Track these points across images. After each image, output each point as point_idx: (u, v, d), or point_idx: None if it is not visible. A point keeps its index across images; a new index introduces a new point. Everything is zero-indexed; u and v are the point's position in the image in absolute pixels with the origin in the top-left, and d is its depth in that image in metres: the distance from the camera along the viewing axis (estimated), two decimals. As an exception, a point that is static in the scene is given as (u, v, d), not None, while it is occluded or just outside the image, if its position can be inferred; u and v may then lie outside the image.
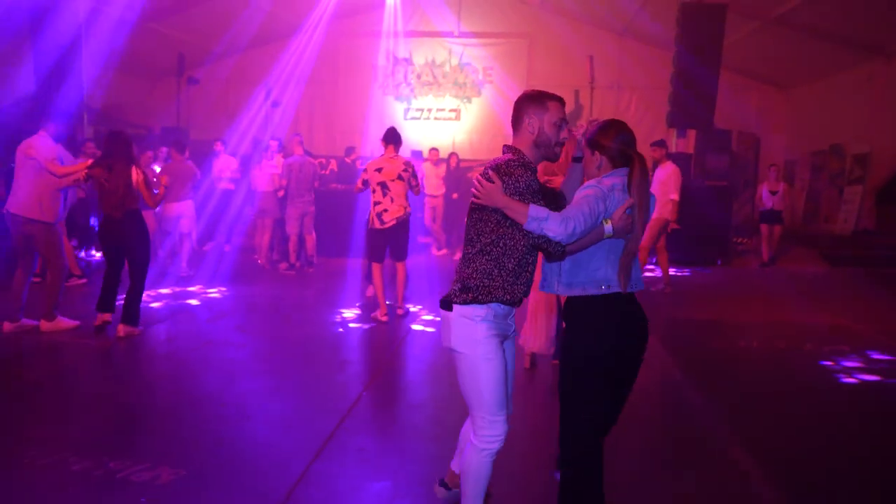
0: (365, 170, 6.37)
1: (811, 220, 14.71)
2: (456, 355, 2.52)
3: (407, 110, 16.19)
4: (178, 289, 7.51)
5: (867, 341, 5.99)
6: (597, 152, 2.60)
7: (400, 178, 6.17)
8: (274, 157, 8.95)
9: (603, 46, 15.55)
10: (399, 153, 6.36)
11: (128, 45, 10.88)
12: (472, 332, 2.49)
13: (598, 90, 15.54)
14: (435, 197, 10.27)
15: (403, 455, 3.51)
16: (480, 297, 2.48)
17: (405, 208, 6.20)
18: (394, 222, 6.15)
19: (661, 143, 8.06)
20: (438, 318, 3.21)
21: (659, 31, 13.01)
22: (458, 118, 16.02)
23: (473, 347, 2.48)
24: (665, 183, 7.65)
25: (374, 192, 6.18)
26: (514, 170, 2.46)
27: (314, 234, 9.06)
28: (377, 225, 6.20)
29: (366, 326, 6.16)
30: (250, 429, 3.76)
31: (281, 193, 8.60)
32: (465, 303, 2.49)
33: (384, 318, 6.23)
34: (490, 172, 2.46)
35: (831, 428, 4.05)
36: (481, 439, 2.51)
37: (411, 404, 4.38)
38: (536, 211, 2.38)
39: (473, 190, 2.50)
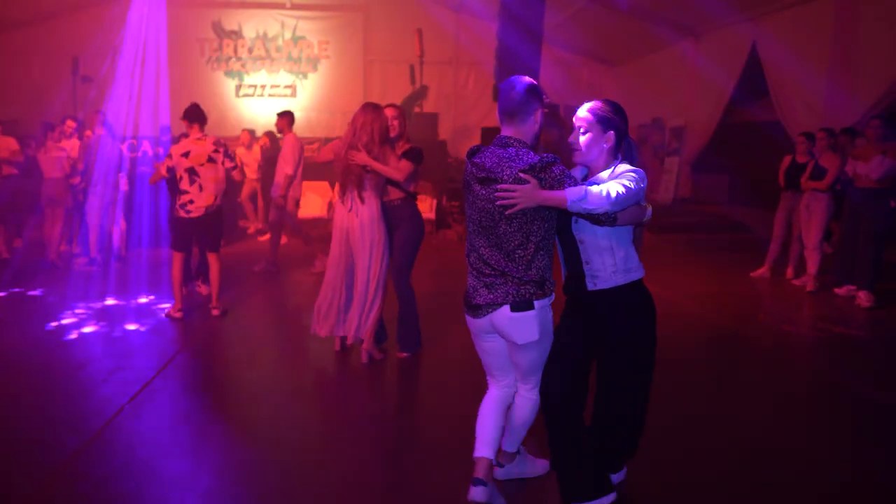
0: (169, 155, 5.75)
1: (639, 190, 15.58)
2: (536, 343, 2.67)
3: (239, 87, 15.25)
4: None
5: (668, 305, 6.29)
6: (611, 132, 2.65)
7: (211, 160, 5.60)
8: (65, 140, 7.96)
9: (439, 21, 15.41)
10: (205, 132, 5.77)
11: None
12: (548, 317, 2.70)
13: (436, 65, 15.44)
14: (253, 180, 9.70)
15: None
16: (549, 288, 2.66)
17: (216, 197, 5.65)
18: (201, 212, 5.61)
19: (284, 114, 7.63)
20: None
21: (493, 7, 13.09)
22: (293, 94, 15.32)
23: (549, 329, 2.72)
24: (283, 156, 7.37)
25: (180, 179, 5.59)
26: (547, 165, 2.52)
27: (123, 223, 8.23)
28: (182, 214, 5.63)
29: (141, 328, 5.54)
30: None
31: (76, 180, 7.68)
32: (541, 298, 2.63)
33: (177, 315, 5.69)
34: (522, 175, 2.49)
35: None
36: (535, 393, 2.80)
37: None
38: (575, 193, 2.43)
39: (504, 197, 2.50)
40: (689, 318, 5.98)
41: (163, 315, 5.79)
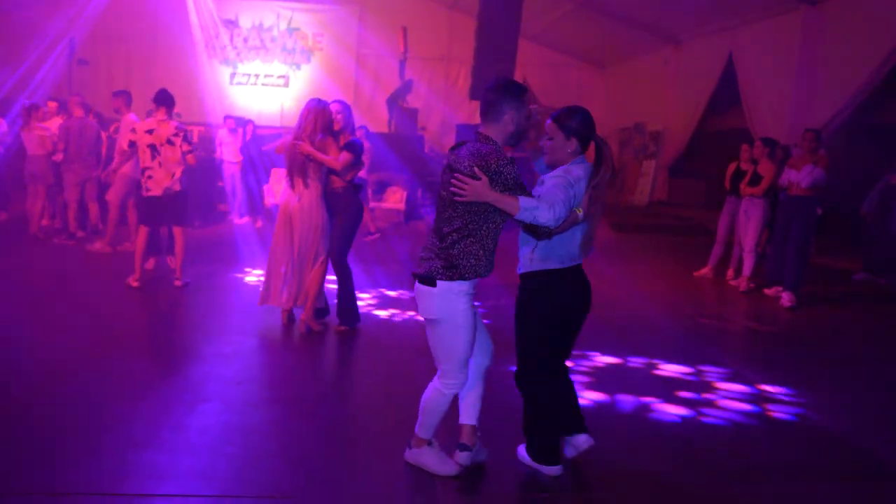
0: (133, 130, 6.17)
1: (619, 191, 15.92)
2: (435, 323, 2.84)
3: (233, 75, 15.64)
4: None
5: (603, 297, 6.65)
6: (573, 138, 2.93)
7: (170, 142, 6.00)
8: (48, 119, 8.38)
9: (432, 18, 15.78)
10: (171, 116, 6.18)
11: None
12: (456, 304, 2.81)
13: (427, 61, 15.80)
14: (233, 164, 10.10)
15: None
16: (467, 274, 2.79)
17: (174, 176, 6.04)
18: (160, 192, 6.00)
19: (120, 94, 7.44)
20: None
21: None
22: (286, 85, 15.71)
23: (455, 317, 2.81)
24: (122, 136, 7.11)
25: (143, 153, 6.01)
26: (502, 167, 2.70)
27: (96, 202, 8.60)
28: (144, 192, 6.06)
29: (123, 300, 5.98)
30: None
31: (58, 157, 8.09)
32: (450, 279, 2.78)
33: (135, 284, 6.10)
34: (476, 170, 2.67)
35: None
36: (447, 385, 2.92)
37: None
38: (527, 202, 2.67)
39: (455, 188, 2.70)
40: (616, 308, 6.33)
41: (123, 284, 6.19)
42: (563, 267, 2.99)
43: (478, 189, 2.68)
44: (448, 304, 2.81)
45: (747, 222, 7.18)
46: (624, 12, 12.95)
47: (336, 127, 5.08)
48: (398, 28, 14.94)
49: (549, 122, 3.00)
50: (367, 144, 7.55)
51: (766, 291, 7.06)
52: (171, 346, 4.93)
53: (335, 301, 5.25)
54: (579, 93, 17.12)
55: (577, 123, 2.96)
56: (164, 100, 6.09)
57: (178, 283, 6.27)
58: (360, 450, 3.37)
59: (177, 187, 6.05)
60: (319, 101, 5.02)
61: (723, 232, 7.75)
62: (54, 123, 8.35)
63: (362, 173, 5.90)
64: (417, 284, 2.87)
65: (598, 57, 16.60)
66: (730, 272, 7.70)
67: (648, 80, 14.62)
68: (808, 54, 9.82)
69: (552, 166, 3.03)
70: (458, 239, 2.78)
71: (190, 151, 6.13)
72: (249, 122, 11.06)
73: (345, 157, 4.92)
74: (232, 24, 15.46)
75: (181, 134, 6.07)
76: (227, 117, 10.61)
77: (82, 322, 5.20)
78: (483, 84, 9.52)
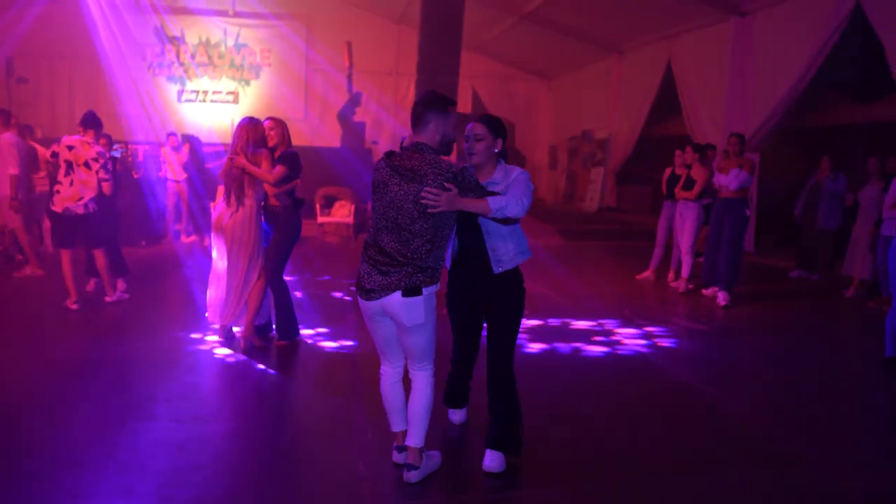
0: (59, 142, 6.12)
1: (570, 199, 16.20)
2: (422, 326, 2.97)
3: (181, 92, 15.48)
4: None
5: (544, 300, 6.78)
6: (500, 139, 3.18)
7: (87, 165, 5.93)
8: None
9: (381, 33, 15.89)
10: (97, 141, 6.14)
11: None
12: (433, 303, 3.00)
13: (376, 75, 15.89)
14: (177, 182, 9.99)
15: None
16: (437, 277, 2.99)
17: (80, 199, 5.92)
18: (60, 209, 5.90)
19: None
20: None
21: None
22: (236, 101, 15.61)
23: (432, 316, 3.01)
24: (5, 156, 7.19)
25: (59, 167, 5.95)
26: (463, 172, 2.92)
27: (47, 222, 8.42)
28: (51, 206, 5.98)
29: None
30: None
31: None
32: (427, 285, 2.93)
33: (73, 306, 6.01)
34: (447, 184, 2.82)
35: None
36: (432, 373, 3.12)
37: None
38: (496, 202, 2.90)
39: (431, 199, 2.81)
40: (555, 310, 6.46)
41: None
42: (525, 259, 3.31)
43: (451, 199, 2.84)
44: (430, 305, 2.97)
45: (683, 225, 7.40)
46: (567, 25, 13.24)
47: (271, 143, 5.10)
48: (345, 43, 15.02)
49: (476, 125, 3.17)
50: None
51: (704, 292, 7.28)
52: (103, 366, 4.86)
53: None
54: (527, 104, 17.48)
55: (501, 125, 3.22)
56: (91, 122, 6.07)
57: (108, 298, 6.29)
58: (293, 462, 3.39)
59: (80, 210, 5.94)
60: (251, 118, 5.09)
61: (661, 235, 7.97)
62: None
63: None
64: (400, 297, 2.90)
65: (544, 68, 16.92)
66: (670, 274, 7.91)
67: (594, 89, 14.96)
68: (739, 62, 10.20)
69: (479, 168, 3.17)
70: (430, 248, 2.91)
71: (106, 180, 6.04)
72: (192, 138, 10.95)
73: (278, 170, 4.95)
74: (178, 40, 15.32)
75: (101, 160, 6.00)
76: (170, 134, 10.48)
77: (16, 346, 5.09)
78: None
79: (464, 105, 15.86)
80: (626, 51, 13.86)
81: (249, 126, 5.00)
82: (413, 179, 2.86)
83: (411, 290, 2.90)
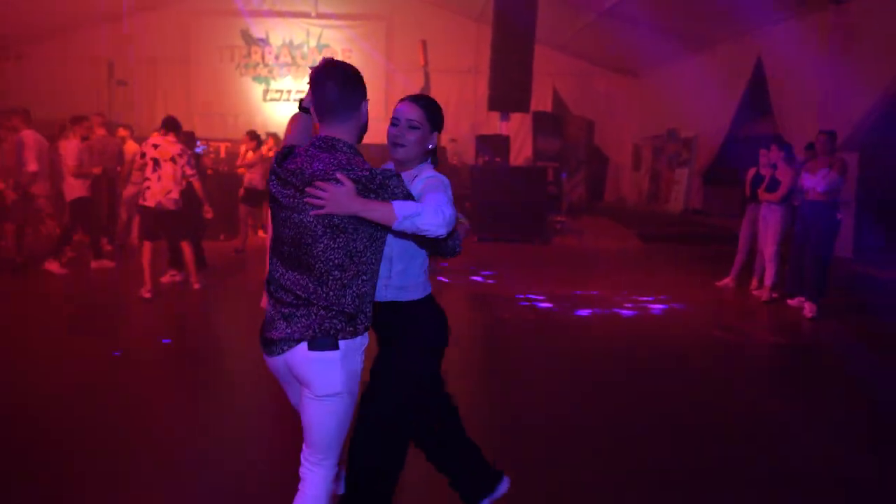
0: (146, 141, 6.51)
1: (653, 200, 15.60)
2: (336, 397, 2.06)
3: (266, 91, 16.00)
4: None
5: (608, 304, 6.49)
6: (436, 133, 2.41)
7: (173, 160, 6.23)
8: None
9: (460, 31, 15.82)
10: (179, 141, 6.45)
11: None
12: (356, 367, 2.12)
13: (455, 74, 15.83)
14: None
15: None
16: (362, 325, 2.12)
17: (170, 194, 6.19)
18: (153, 203, 6.19)
19: (15, 111, 7.45)
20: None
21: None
22: (317, 100, 15.93)
23: (354, 384, 2.12)
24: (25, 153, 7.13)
25: (146, 165, 6.23)
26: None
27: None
28: (141, 201, 6.31)
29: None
30: None
31: (97, 170, 8.11)
32: (349, 337, 2.07)
33: (147, 295, 6.24)
34: (339, 175, 1.99)
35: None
36: (329, 478, 2.15)
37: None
38: (405, 208, 1.99)
39: (313, 201, 1.99)
40: (627, 321, 6.16)
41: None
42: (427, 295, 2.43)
43: (340, 197, 1.97)
44: (351, 368, 2.09)
45: (766, 229, 6.90)
46: (652, 19, 12.72)
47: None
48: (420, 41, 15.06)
49: (412, 106, 2.36)
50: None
51: (790, 302, 6.74)
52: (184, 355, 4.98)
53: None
54: (609, 101, 16.94)
55: (441, 115, 2.42)
56: (171, 125, 6.47)
57: (196, 285, 6.64)
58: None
59: (170, 206, 6.24)
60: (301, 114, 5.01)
61: (744, 240, 7.47)
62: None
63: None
64: (307, 353, 2.04)
65: (628, 65, 16.36)
66: (753, 282, 7.40)
67: (680, 85, 14.30)
68: (836, 54, 9.46)
69: (402, 165, 2.38)
70: (344, 282, 2.05)
71: (192, 175, 6.42)
72: (272, 135, 11.22)
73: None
74: (263, 42, 15.81)
75: (186, 156, 6.36)
76: (249, 133, 10.77)
77: (98, 339, 5.31)
78: (502, 95, 9.33)
79: (544, 103, 15.59)
80: (713, 45, 13.17)
81: (301, 120, 4.93)
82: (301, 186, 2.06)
83: (321, 342, 2.04)
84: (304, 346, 2.04)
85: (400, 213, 1.97)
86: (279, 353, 2.09)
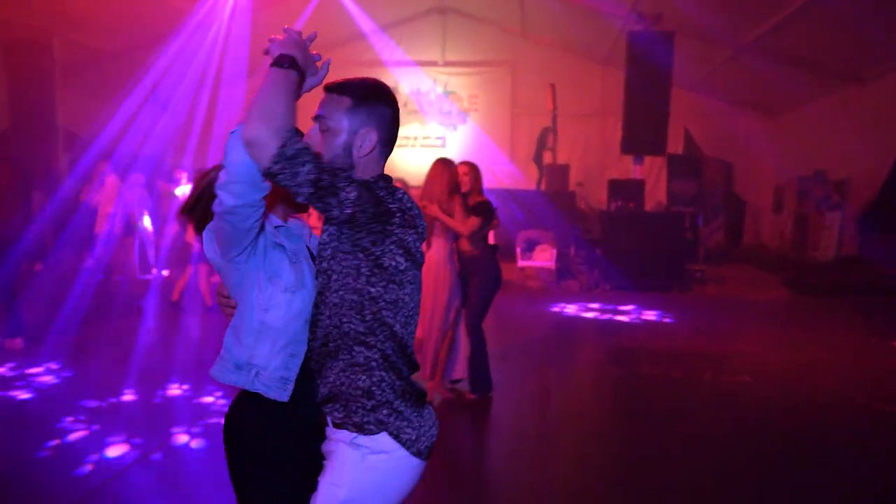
0: None
1: (799, 246, 14.43)
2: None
3: (394, 138, 16.46)
4: None
5: (764, 365, 5.87)
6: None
7: None
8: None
9: (585, 74, 15.63)
10: None
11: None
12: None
13: (581, 117, 15.59)
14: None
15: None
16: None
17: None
18: None
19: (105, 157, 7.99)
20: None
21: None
22: (443, 145, 16.21)
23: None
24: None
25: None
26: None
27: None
28: None
29: None
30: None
31: None
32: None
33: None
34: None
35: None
36: None
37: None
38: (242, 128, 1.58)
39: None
40: (788, 386, 5.55)
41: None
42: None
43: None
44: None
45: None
46: (794, 53, 11.95)
47: (464, 188, 4.96)
48: (549, 85, 14.97)
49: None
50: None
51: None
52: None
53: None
54: (747, 142, 16.05)
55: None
56: None
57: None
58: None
59: None
60: (445, 160, 4.93)
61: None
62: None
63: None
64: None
65: (766, 102, 15.46)
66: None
67: (827, 123, 13.29)
68: None
69: None
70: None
71: None
72: (399, 181, 11.44)
73: (473, 221, 4.81)
74: (393, 91, 16.30)
75: None
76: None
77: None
78: (636, 138, 9.00)
79: (675, 145, 14.96)
80: (867, 79, 12.14)
81: (444, 170, 4.85)
82: None
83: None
84: None
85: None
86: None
